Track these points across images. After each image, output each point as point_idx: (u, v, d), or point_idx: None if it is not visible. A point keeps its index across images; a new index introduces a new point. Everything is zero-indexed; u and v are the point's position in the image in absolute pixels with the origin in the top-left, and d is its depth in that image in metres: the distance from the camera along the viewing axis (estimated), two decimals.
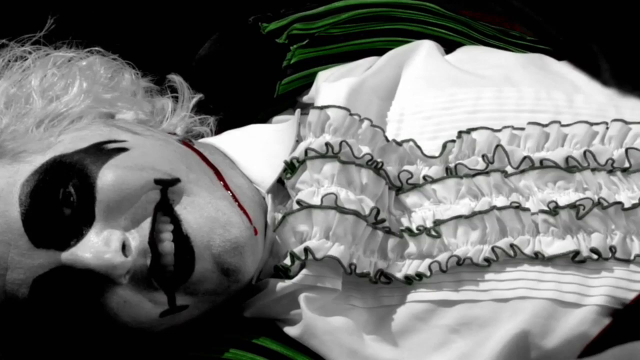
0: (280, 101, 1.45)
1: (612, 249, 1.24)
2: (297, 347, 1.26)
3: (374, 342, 1.25)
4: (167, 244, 1.22)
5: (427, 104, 1.36)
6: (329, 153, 1.27)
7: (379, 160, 1.29)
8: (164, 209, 1.22)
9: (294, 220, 1.25)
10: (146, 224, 1.22)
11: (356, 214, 1.24)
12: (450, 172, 1.30)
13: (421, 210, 1.29)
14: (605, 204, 1.25)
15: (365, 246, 1.25)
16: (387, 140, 1.31)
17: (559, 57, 1.44)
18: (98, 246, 1.19)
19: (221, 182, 1.28)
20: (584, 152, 1.29)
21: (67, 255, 1.20)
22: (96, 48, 1.37)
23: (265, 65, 1.47)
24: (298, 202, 1.26)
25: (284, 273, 1.27)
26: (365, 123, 1.31)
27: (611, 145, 1.30)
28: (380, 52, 1.46)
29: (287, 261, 1.26)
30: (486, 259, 1.25)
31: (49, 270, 1.21)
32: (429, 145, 1.32)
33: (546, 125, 1.31)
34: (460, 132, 1.31)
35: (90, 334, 1.24)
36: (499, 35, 1.50)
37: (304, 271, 1.25)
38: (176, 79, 1.41)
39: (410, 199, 1.29)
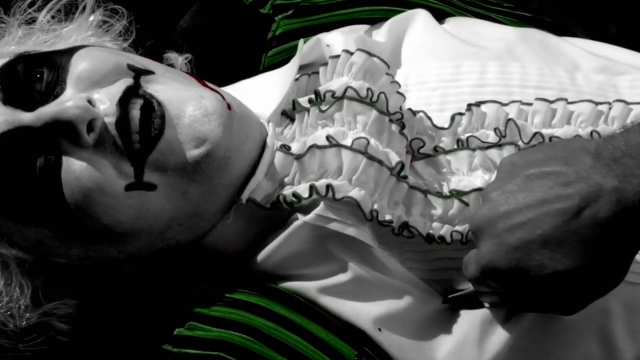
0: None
1: None
2: (304, 313, 1.21)
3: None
4: (136, 112, 1.19)
5: (432, 75, 1.35)
6: (367, 99, 1.25)
7: (403, 111, 1.28)
8: (137, 94, 1.20)
9: (321, 155, 1.22)
10: (117, 93, 1.19)
11: (384, 164, 1.21)
12: (462, 144, 1.29)
13: (436, 179, 1.27)
14: None
15: (389, 197, 1.22)
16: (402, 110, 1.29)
17: (543, 28, 1.47)
18: (64, 102, 1.17)
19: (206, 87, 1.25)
20: (591, 133, 1.29)
21: (31, 114, 1.18)
22: None
23: (250, 37, 1.43)
24: (327, 138, 1.22)
25: (289, 204, 1.22)
26: (396, 85, 1.30)
27: (614, 125, 1.30)
28: (366, 21, 1.44)
29: (303, 192, 1.21)
30: None
31: (14, 129, 1.18)
32: (437, 116, 1.31)
33: (553, 102, 1.30)
34: (469, 105, 1.30)
35: (54, 206, 1.18)
36: (478, 2, 1.51)
37: (319, 209, 1.20)
38: (172, 56, 1.38)
39: (423, 167, 1.28)
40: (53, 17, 1.33)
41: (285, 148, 1.25)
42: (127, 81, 1.21)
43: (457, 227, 1.23)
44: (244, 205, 1.23)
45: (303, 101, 1.29)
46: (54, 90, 1.20)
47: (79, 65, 1.21)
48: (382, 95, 1.26)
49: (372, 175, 1.21)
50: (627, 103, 1.31)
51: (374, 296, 1.22)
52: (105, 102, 1.19)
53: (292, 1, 1.45)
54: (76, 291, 1.24)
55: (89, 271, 1.24)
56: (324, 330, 1.20)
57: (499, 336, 1.21)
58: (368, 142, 1.22)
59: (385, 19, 1.44)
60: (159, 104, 1.19)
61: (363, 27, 1.44)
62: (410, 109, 1.30)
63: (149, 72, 1.22)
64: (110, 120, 1.18)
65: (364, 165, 1.21)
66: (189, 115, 1.19)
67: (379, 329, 1.21)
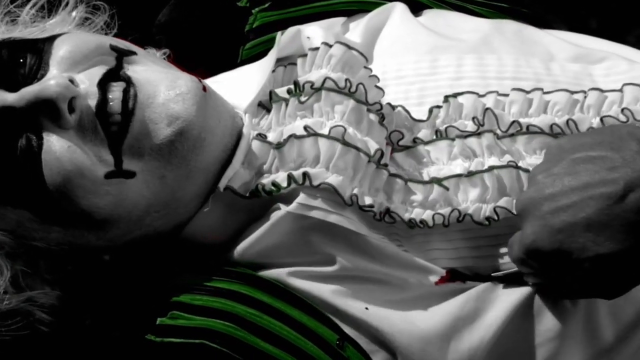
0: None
1: None
2: (285, 299, 1.22)
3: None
4: (116, 93, 1.20)
5: (409, 69, 1.36)
6: (345, 89, 1.26)
7: (382, 104, 1.29)
8: (117, 76, 1.22)
9: (299, 144, 1.23)
10: (97, 75, 1.21)
11: (362, 151, 1.23)
12: (440, 135, 1.30)
13: (417, 169, 1.28)
14: None
15: (370, 183, 1.23)
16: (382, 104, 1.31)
17: (520, 19, 1.48)
18: (46, 80, 1.19)
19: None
20: (567, 121, 1.30)
21: (14, 94, 1.19)
22: None
23: (227, 30, 1.44)
24: (305, 128, 1.24)
25: (268, 193, 1.23)
26: (375, 79, 1.31)
27: (590, 113, 1.32)
28: (342, 13, 1.46)
29: (281, 181, 1.22)
30: (487, 218, 1.24)
31: None
32: (415, 110, 1.32)
33: (529, 92, 1.32)
34: (447, 97, 1.31)
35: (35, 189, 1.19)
36: None
37: (300, 198, 1.22)
38: (150, 51, 1.38)
39: (403, 158, 1.29)
40: (35, 14, 1.34)
41: (262, 137, 1.26)
42: (110, 62, 1.23)
43: (440, 210, 1.24)
44: (223, 194, 1.24)
45: (281, 92, 1.30)
46: (37, 73, 1.22)
47: (61, 48, 1.23)
48: (361, 86, 1.27)
49: (350, 162, 1.23)
50: (602, 91, 1.33)
51: (362, 289, 1.23)
52: (85, 82, 1.21)
53: None
54: (56, 280, 1.25)
55: (69, 258, 1.25)
56: (306, 316, 1.21)
57: (495, 312, 1.22)
58: (345, 130, 1.23)
59: (361, 10, 1.46)
60: (133, 84, 1.21)
61: (340, 20, 1.45)
62: (389, 104, 1.31)
63: (132, 53, 1.25)
64: (91, 102, 1.20)
65: (340, 152, 1.22)
66: (163, 94, 1.21)
67: (366, 308, 1.22)
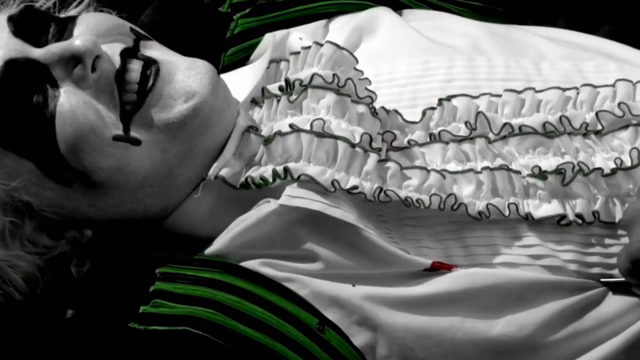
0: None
1: (595, 213, 1.26)
2: (265, 286, 1.24)
3: None
4: (136, 65, 1.24)
5: (401, 72, 1.36)
6: (333, 84, 1.28)
7: (376, 106, 1.30)
8: (135, 56, 1.25)
9: (283, 141, 1.25)
10: (119, 47, 1.24)
11: (342, 138, 1.24)
12: (434, 138, 1.30)
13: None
14: (586, 170, 1.27)
15: (359, 168, 1.24)
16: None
17: (496, 16, 1.50)
18: (73, 38, 1.22)
19: None
20: (560, 118, 1.31)
21: (41, 49, 1.23)
22: None
23: (209, 36, 1.45)
24: (290, 126, 1.26)
25: (257, 186, 1.25)
26: (366, 82, 1.31)
27: (583, 109, 1.32)
28: (322, 16, 1.46)
29: (269, 176, 1.24)
30: (480, 213, 1.25)
31: (22, 58, 1.22)
32: (408, 112, 1.32)
33: (521, 92, 1.32)
34: (440, 100, 1.31)
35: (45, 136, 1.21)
36: None
37: (287, 190, 1.23)
38: None
39: (398, 157, 1.28)
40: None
41: (254, 129, 1.28)
42: (128, 42, 1.26)
43: (437, 192, 1.25)
44: (213, 183, 1.25)
45: (272, 88, 1.32)
46: (62, 37, 1.25)
47: (85, 20, 1.26)
48: (350, 81, 1.28)
49: (330, 152, 1.24)
50: (594, 87, 1.33)
51: (341, 276, 1.24)
52: (108, 51, 1.24)
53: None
54: (36, 249, 1.25)
55: (53, 228, 1.26)
56: (286, 301, 1.23)
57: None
58: (324, 123, 1.25)
59: (340, 12, 1.47)
60: (155, 61, 1.24)
61: (321, 23, 1.46)
62: (383, 107, 1.31)
63: (148, 38, 1.28)
64: (110, 68, 1.23)
65: (317, 144, 1.24)
66: (183, 72, 1.24)
67: (353, 285, 1.23)
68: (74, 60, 1.21)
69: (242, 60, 1.43)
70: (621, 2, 1.95)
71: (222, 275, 1.23)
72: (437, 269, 1.23)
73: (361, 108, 1.27)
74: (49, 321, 1.23)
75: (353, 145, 1.24)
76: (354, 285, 1.23)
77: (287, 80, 1.30)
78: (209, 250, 1.26)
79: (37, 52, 1.22)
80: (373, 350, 1.23)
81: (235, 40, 1.45)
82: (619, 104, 1.31)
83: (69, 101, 1.21)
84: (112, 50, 1.24)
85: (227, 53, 1.44)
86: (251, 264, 1.25)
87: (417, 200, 1.24)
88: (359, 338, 1.23)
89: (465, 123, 1.30)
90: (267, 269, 1.24)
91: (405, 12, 1.50)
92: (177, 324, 1.19)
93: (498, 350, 1.22)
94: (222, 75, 1.36)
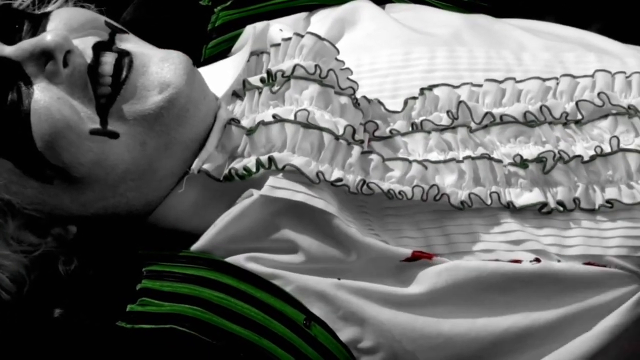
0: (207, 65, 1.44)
1: (576, 200, 1.27)
2: (251, 282, 1.23)
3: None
4: (109, 58, 1.23)
5: (383, 62, 1.37)
6: (315, 75, 1.28)
7: (358, 97, 1.30)
8: (110, 49, 1.25)
9: (267, 130, 1.25)
10: (92, 40, 1.24)
11: (326, 130, 1.24)
12: (416, 127, 1.31)
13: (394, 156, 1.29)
14: (566, 157, 1.28)
15: (343, 160, 1.25)
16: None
17: (480, 11, 1.51)
18: (44, 34, 1.22)
19: None
20: (540, 107, 1.32)
21: (12, 47, 1.22)
22: None
23: (191, 29, 1.46)
24: (274, 116, 1.26)
25: (241, 177, 1.25)
26: (348, 72, 1.32)
27: (563, 99, 1.34)
28: (303, 8, 1.48)
29: (252, 166, 1.24)
30: (462, 202, 1.25)
31: None
32: (390, 102, 1.33)
33: (502, 82, 1.33)
34: (422, 89, 1.32)
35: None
36: None
37: (270, 180, 1.23)
38: None
39: (381, 147, 1.29)
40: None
41: (236, 122, 1.28)
42: (103, 36, 1.26)
43: (419, 183, 1.25)
44: (196, 177, 1.25)
45: (254, 80, 1.32)
46: (35, 33, 1.24)
47: (58, 15, 1.26)
48: (332, 72, 1.29)
49: (315, 143, 1.24)
50: (573, 77, 1.34)
51: (325, 270, 1.24)
52: (80, 44, 1.23)
53: None
54: (21, 248, 1.25)
55: (37, 225, 1.26)
56: (272, 297, 1.22)
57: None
58: (309, 114, 1.25)
59: (322, 5, 1.48)
60: (128, 53, 1.24)
61: (302, 15, 1.47)
62: (364, 97, 1.32)
63: (124, 31, 1.28)
64: (82, 62, 1.22)
65: (303, 134, 1.24)
66: (156, 64, 1.24)
67: (338, 278, 1.23)
68: (45, 56, 1.21)
69: (223, 52, 1.44)
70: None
71: (208, 272, 1.23)
72: (418, 258, 1.23)
73: (344, 99, 1.28)
74: (36, 320, 1.23)
75: (337, 137, 1.24)
76: (339, 279, 1.23)
77: (268, 72, 1.30)
78: (195, 246, 1.26)
79: (8, 50, 1.22)
80: (359, 344, 1.23)
81: (216, 33, 1.46)
82: (598, 94, 1.33)
83: (43, 98, 1.20)
84: (85, 44, 1.24)
85: (208, 45, 1.45)
86: (237, 260, 1.25)
87: (399, 192, 1.24)
88: (345, 332, 1.23)
89: (447, 112, 1.31)
90: (253, 264, 1.24)
91: (388, 6, 1.51)
92: (164, 322, 1.19)
93: (485, 341, 1.23)
94: (203, 68, 1.38)
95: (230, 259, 1.25)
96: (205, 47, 1.45)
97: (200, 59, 1.44)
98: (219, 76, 1.34)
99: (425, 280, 1.22)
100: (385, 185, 1.24)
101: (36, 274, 1.25)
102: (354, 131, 1.26)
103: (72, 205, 1.25)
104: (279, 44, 1.33)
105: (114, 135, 1.21)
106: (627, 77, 1.35)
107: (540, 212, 1.26)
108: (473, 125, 1.30)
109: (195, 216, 1.27)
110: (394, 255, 1.23)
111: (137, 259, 1.25)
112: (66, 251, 1.27)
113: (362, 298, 1.22)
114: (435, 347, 1.23)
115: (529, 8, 1.79)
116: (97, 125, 1.21)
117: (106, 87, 1.22)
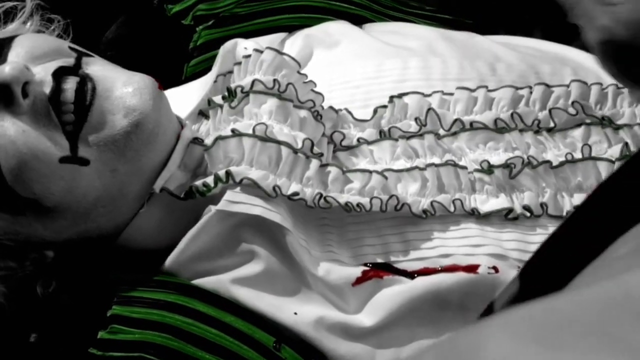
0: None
1: (544, 205, 1.26)
2: (220, 306, 1.22)
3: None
4: (70, 84, 1.22)
5: (355, 74, 1.37)
6: (274, 89, 1.28)
7: (319, 110, 1.30)
8: (75, 73, 1.23)
9: (224, 145, 1.24)
10: (52, 67, 1.22)
11: (285, 144, 1.24)
12: (384, 135, 1.31)
13: (358, 167, 1.28)
14: (535, 162, 1.27)
15: (301, 173, 1.24)
16: (323, 107, 1.32)
17: (465, 28, 1.50)
18: (2, 67, 1.19)
19: None
20: (511, 114, 1.32)
21: None
22: None
23: (173, 48, 1.46)
24: (232, 130, 1.25)
25: (201, 194, 1.25)
26: (311, 84, 1.32)
27: (536, 107, 1.33)
28: (284, 29, 1.48)
29: (211, 182, 1.24)
30: (424, 211, 1.25)
31: None
32: (361, 112, 1.33)
33: (474, 90, 1.33)
34: (392, 97, 1.32)
35: None
36: (397, 6, 1.55)
37: (227, 195, 1.23)
38: None
39: (346, 157, 1.29)
40: None
41: (199, 141, 1.28)
42: (69, 62, 1.24)
43: (379, 195, 1.25)
44: (159, 196, 1.25)
45: (217, 99, 1.32)
46: None
47: (20, 43, 1.25)
48: (291, 86, 1.29)
49: (273, 156, 1.24)
50: (548, 86, 1.35)
51: (283, 288, 1.23)
52: (41, 72, 1.22)
53: (213, 12, 1.49)
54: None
55: (11, 253, 1.25)
56: (241, 321, 1.21)
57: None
58: (267, 127, 1.25)
59: (303, 26, 1.49)
60: (91, 79, 1.23)
61: (281, 36, 1.48)
62: (331, 107, 1.32)
63: (90, 55, 1.27)
64: (45, 90, 1.21)
65: (260, 148, 1.24)
66: (119, 88, 1.22)
67: (295, 313, 1.22)
68: (2, 88, 1.19)
69: (204, 70, 1.44)
70: None
71: (177, 296, 1.23)
72: (369, 278, 1.23)
73: (303, 112, 1.28)
74: (14, 345, 1.23)
75: (295, 151, 1.24)
76: (295, 314, 1.22)
77: (228, 89, 1.31)
78: (164, 267, 1.26)
79: None
80: None
81: (197, 51, 1.47)
82: (572, 103, 1.32)
83: (7, 131, 1.19)
84: (46, 71, 1.22)
85: (189, 64, 1.46)
86: (203, 282, 1.24)
87: (357, 205, 1.24)
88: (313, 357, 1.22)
89: (415, 119, 1.31)
90: (239, 288, 1.23)
91: (367, 25, 1.52)
92: (133, 350, 1.18)
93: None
94: (170, 90, 1.39)
95: (197, 282, 1.25)
96: (186, 65, 1.46)
97: (182, 77, 1.45)
98: (187, 97, 1.34)
99: (379, 306, 1.21)
100: (343, 198, 1.23)
101: (15, 298, 1.25)
102: (312, 144, 1.25)
103: (45, 233, 1.24)
104: (240, 62, 1.33)
105: (85, 162, 1.20)
106: (603, 89, 1.34)
107: (506, 218, 1.25)
108: (442, 132, 1.30)
109: (161, 235, 1.27)
110: (346, 278, 1.22)
111: (109, 283, 1.25)
112: (44, 274, 1.27)
113: (319, 330, 1.21)
114: None
115: (514, 24, 1.80)
116: (67, 153, 1.19)
117: (69, 114, 1.21)
